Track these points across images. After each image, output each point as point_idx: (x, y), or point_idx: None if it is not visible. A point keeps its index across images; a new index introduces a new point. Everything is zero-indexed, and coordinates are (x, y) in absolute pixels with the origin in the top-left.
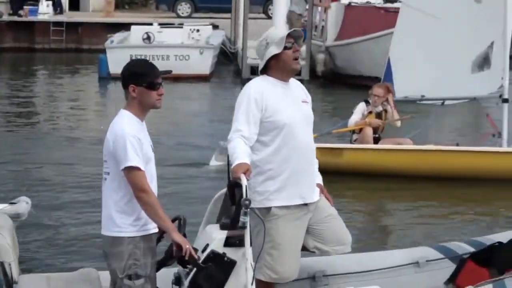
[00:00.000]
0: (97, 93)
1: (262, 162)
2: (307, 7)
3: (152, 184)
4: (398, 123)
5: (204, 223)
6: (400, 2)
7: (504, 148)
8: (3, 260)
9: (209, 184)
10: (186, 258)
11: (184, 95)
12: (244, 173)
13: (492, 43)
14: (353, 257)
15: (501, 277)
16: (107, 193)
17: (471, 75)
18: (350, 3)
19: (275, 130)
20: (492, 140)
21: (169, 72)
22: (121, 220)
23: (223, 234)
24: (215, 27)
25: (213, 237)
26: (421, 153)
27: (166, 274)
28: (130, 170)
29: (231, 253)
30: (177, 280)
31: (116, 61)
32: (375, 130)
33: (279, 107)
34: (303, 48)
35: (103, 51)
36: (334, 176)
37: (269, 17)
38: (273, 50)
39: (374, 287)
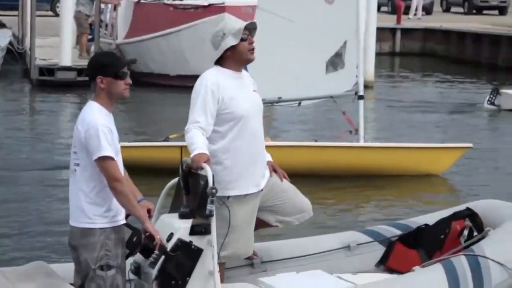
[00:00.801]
0: None
1: (219, 152)
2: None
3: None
4: None
5: (156, 213)
6: None
7: (360, 144)
8: None
9: None
10: (157, 248)
11: None
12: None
13: (345, 43)
14: (288, 243)
15: (446, 256)
16: (77, 184)
17: (326, 75)
18: (139, 0)
19: (232, 121)
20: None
21: (134, 61)
22: (92, 211)
23: (188, 223)
24: (2, 25)
25: (177, 226)
26: (280, 149)
27: None
28: (104, 160)
29: (197, 241)
30: (137, 270)
31: None
32: None
33: (235, 98)
34: (92, 48)
35: None
36: None
37: (57, 15)
38: (230, 42)
39: (316, 271)
